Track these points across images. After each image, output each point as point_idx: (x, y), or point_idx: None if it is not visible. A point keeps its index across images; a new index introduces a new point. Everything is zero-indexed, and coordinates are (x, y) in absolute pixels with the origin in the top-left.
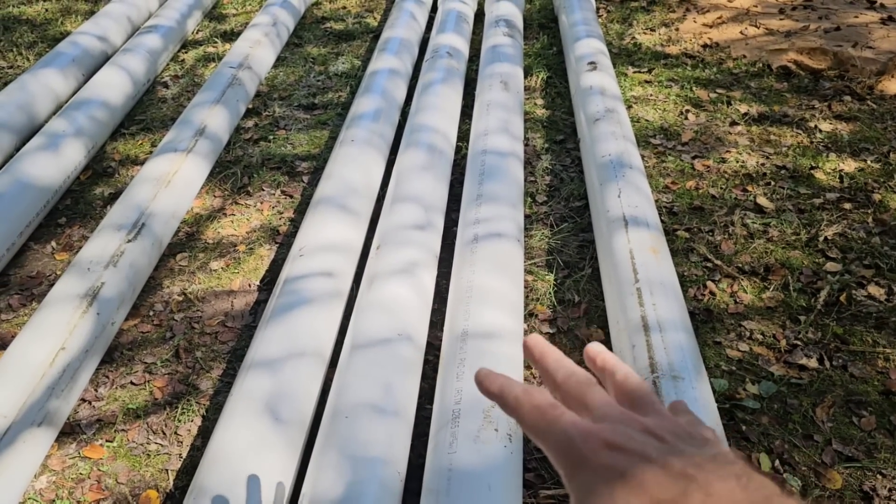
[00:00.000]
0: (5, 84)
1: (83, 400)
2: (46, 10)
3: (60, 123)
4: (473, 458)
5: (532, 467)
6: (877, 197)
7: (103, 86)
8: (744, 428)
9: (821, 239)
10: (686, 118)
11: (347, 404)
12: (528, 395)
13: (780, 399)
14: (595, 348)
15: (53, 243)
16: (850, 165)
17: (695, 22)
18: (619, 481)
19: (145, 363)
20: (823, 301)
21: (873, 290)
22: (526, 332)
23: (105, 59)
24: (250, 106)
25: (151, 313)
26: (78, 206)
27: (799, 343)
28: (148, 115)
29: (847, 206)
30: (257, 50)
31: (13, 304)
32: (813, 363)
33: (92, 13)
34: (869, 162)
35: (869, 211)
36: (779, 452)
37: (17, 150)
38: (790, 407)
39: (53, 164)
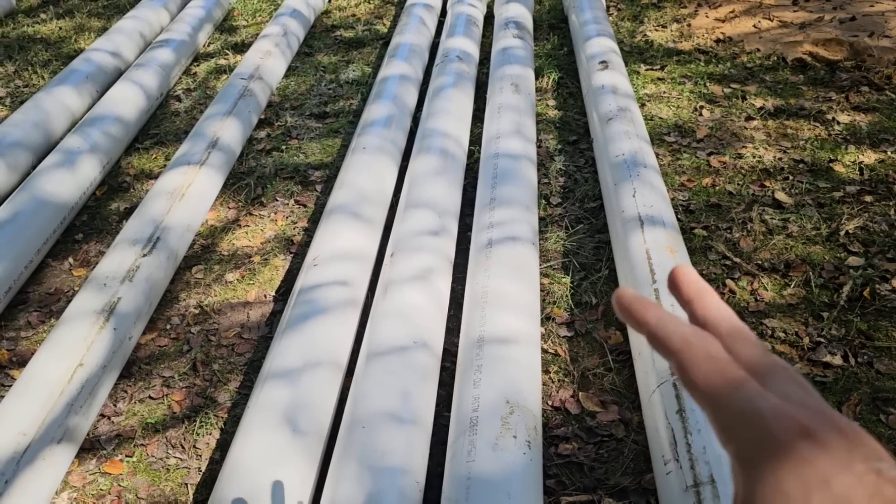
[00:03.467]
0: (21, 103)
1: (102, 415)
2: (60, 28)
3: (75, 140)
4: (492, 466)
5: (553, 473)
6: None
7: (117, 101)
8: None
9: (842, 233)
10: (700, 114)
11: (365, 413)
12: (702, 340)
13: None
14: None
15: (71, 259)
16: (869, 157)
17: (707, 17)
18: (817, 484)
19: (163, 377)
20: (846, 296)
21: None
22: (543, 337)
23: (118, 74)
24: (262, 116)
25: (168, 327)
26: (94, 221)
27: (822, 340)
28: (161, 128)
29: (868, 198)
30: (268, 60)
31: (32, 321)
32: (837, 360)
33: (105, 30)
34: (889, 153)
35: (891, 203)
36: None
37: (34, 167)
38: None
39: (69, 181)
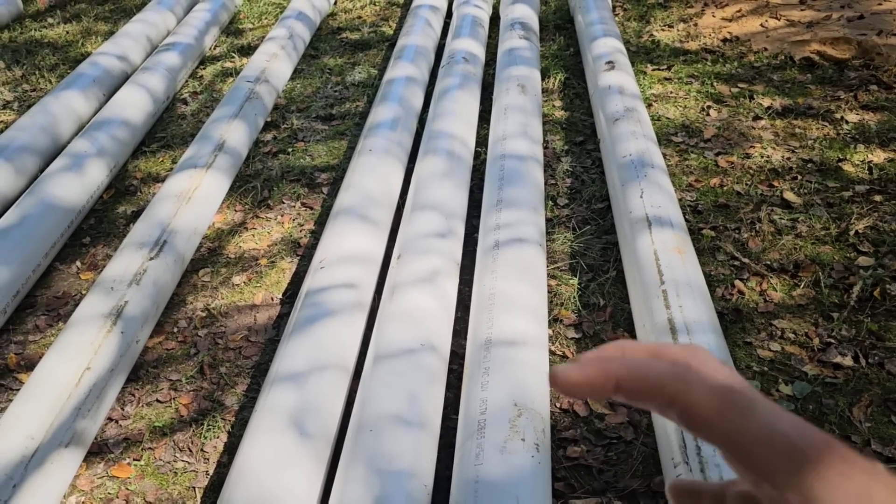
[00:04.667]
0: (28, 107)
1: (110, 419)
2: (67, 32)
3: (83, 144)
4: (500, 470)
5: (561, 476)
6: None
7: (124, 105)
8: None
9: (851, 233)
10: (708, 114)
11: (372, 416)
12: (688, 373)
13: (815, 399)
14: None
15: (78, 263)
16: (879, 156)
17: (713, 16)
18: (861, 498)
19: (170, 380)
20: (856, 297)
21: None
22: (551, 339)
23: (125, 78)
24: (269, 119)
25: (175, 330)
26: (102, 225)
27: (833, 341)
28: (168, 132)
29: (878, 198)
30: (274, 63)
31: (40, 324)
32: (848, 361)
33: (112, 33)
34: None
35: None
36: None
37: (41, 171)
38: (826, 407)
39: (77, 185)
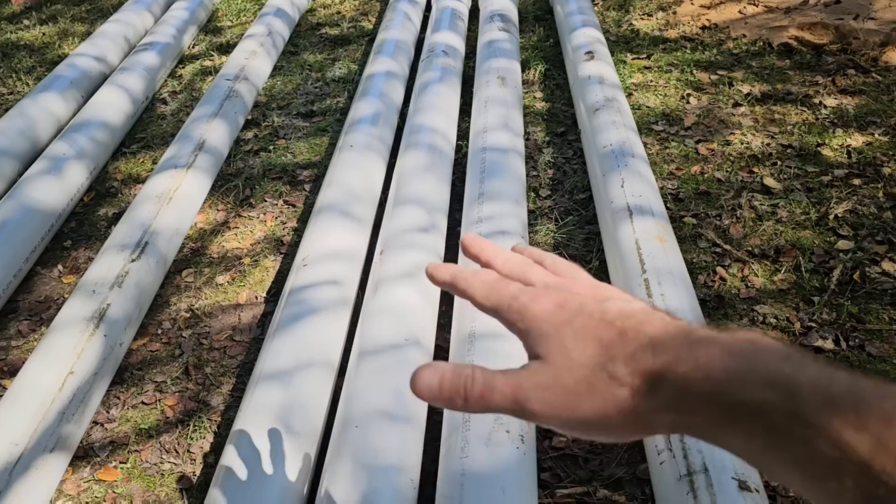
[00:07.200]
0: (6, 110)
1: (95, 422)
2: (44, 34)
3: (61, 146)
4: (486, 462)
5: (548, 466)
6: (886, 171)
7: (103, 106)
8: None
9: (831, 217)
10: (688, 102)
11: (358, 412)
12: (476, 275)
13: None
14: (516, 247)
15: (60, 267)
16: (857, 140)
17: (692, 4)
18: (568, 330)
19: (155, 382)
20: (837, 280)
21: (887, 266)
22: None
23: (103, 79)
24: (249, 117)
25: (160, 332)
26: (83, 228)
27: (814, 325)
28: (148, 132)
29: (856, 181)
30: (253, 60)
31: (23, 329)
32: (829, 345)
33: (89, 34)
34: (877, 135)
35: (879, 185)
36: None
37: (20, 175)
38: None
39: (56, 188)
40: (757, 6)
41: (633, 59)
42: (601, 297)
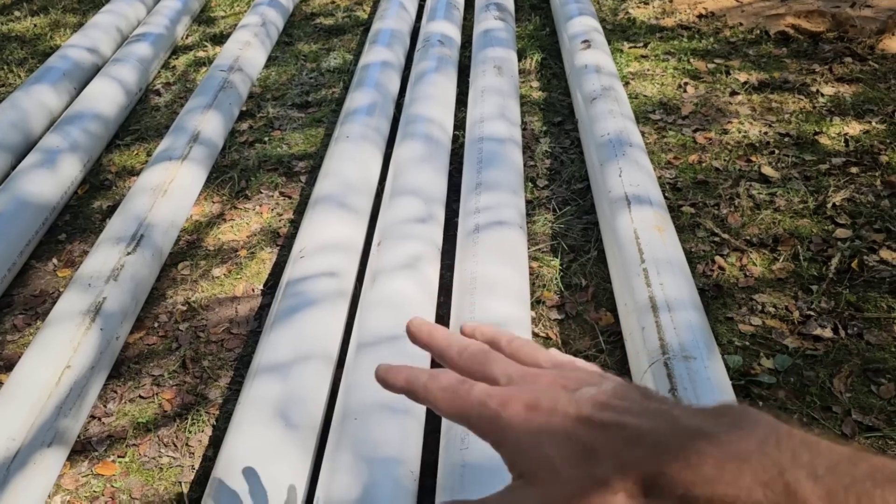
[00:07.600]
0: None
1: (93, 417)
2: (35, 25)
3: (55, 139)
4: (486, 454)
5: None
6: (884, 159)
7: (96, 98)
8: (761, 404)
9: (829, 205)
10: (685, 91)
11: (357, 404)
12: (434, 380)
13: (796, 372)
14: (466, 328)
15: (55, 260)
16: (854, 128)
17: None
18: (546, 438)
19: (153, 376)
20: (835, 269)
21: (885, 254)
22: (534, 321)
23: (96, 70)
24: (244, 108)
25: (156, 325)
26: (77, 221)
27: (812, 313)
28: (142, 124)
29: (854, 170)
30: (247, 51)
31: (18, 324)
32: (828, 333)
33: (81, 25)
34: (874, 123)
35: (876, 174)
36: None
37: (13, 168)
38: (807, 379)
39: (50, 181)
40: None
41: (630, 47)
42: (570, 385)
